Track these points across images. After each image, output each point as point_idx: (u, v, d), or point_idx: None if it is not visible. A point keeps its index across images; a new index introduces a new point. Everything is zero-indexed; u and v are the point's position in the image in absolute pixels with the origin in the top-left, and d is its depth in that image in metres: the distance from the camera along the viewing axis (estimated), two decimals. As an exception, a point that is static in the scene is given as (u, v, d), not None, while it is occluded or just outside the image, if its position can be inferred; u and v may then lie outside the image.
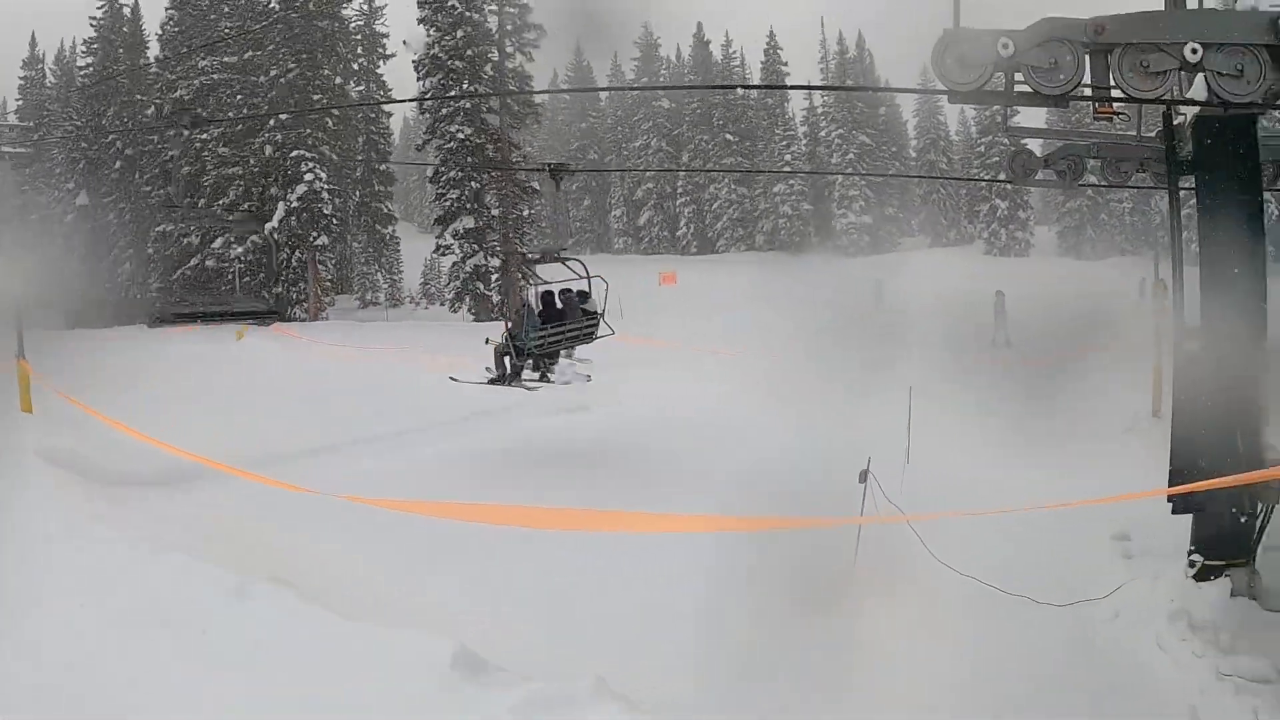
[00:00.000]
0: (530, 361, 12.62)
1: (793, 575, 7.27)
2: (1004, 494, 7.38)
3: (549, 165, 12.53)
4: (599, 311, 12.83)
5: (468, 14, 35.18)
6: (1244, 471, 6.36)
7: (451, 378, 13.67)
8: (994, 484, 9.19)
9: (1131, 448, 12.36)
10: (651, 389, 17.69)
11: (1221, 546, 7.22)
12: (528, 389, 13.04)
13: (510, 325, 12.96)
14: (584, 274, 12.50)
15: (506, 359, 12.71)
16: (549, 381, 12.91)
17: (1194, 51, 6.13)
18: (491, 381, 13.05)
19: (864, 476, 7.86)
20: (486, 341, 13.40)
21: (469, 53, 34.88)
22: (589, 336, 12.83)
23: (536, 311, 12.52)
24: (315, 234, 36.11)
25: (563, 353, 12.72)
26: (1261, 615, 6.95)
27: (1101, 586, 7.27)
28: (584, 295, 12.85)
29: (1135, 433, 13.42)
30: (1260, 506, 7.10)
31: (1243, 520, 7.15)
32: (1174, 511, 7.45)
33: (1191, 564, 7.30)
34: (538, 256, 13.78)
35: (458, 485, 9.16)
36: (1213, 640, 6.49)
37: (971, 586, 6.97)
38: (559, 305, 12.90)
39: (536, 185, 36.37)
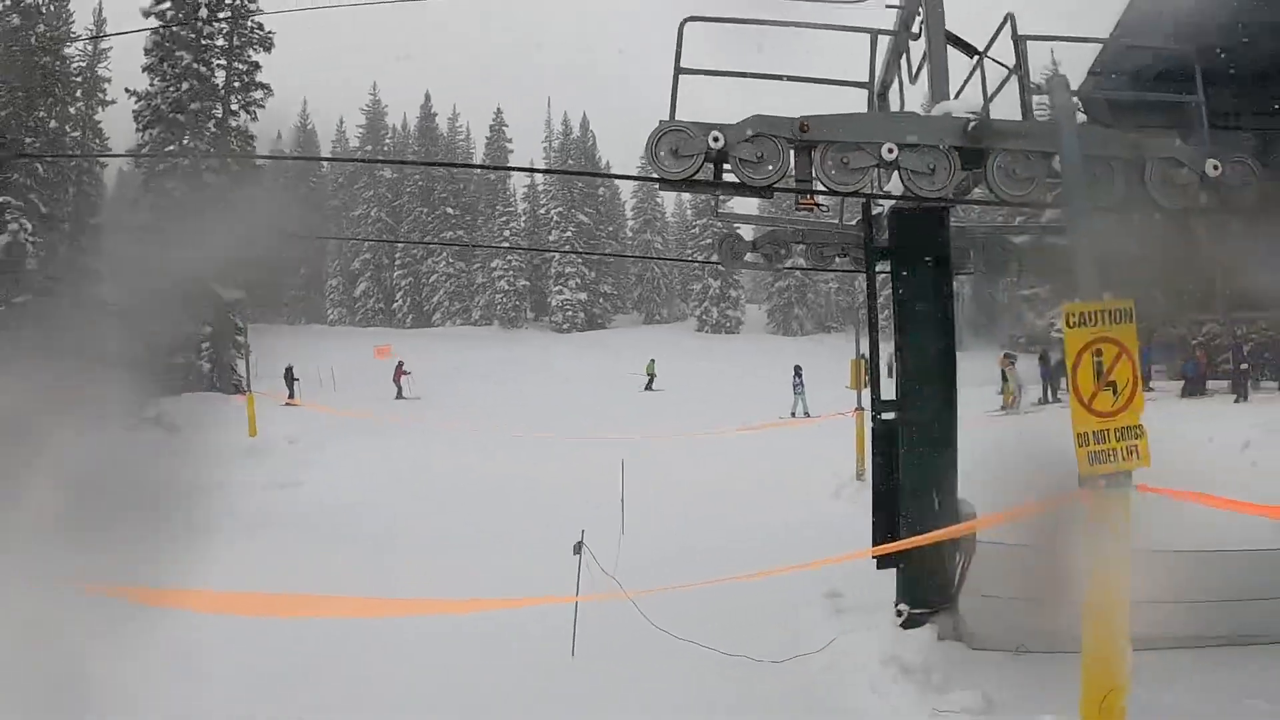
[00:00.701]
0: None
1: (510, 660, 7.22)
2: (729, 559, 7.72)
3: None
4: None
5: (194, 66, 33.17)
6: (940, 528, 6.89)
7: None
8: (714, 551, 9.66)
9: (840, 507, 13.42)
10: (370, 459, 17.72)
11: (925, 595, 7.86)
12: None
13: None
14: None
15: None
16: None
17: (890, 151, 6.60)
18: None
19: (578, 549, 7.86)
20: None
21: (193, 107, 32.84)
22: None
23: None
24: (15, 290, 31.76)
25: None
26: (968, 654, 7.56)
27: (816, 641, 7.53)
28: None
29: (841, 497, 14.48)
30: (958, 556, 7.86)
31: (943, 570, 7.88)
32: (879, 568, 8.08)
33: (899, 613, 7.86)
34: None
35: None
36: (925, 681, 6.91)
37: (692, 651, 7.06)
38: None
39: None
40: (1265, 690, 6.90)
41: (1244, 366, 26.65)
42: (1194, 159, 6.86)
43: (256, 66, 34.75)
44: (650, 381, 37.67)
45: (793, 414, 27.92)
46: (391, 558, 10.36)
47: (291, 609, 5.74)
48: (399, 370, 34.51)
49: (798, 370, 29.47)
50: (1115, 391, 4.23)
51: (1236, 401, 25.29)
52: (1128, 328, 4.25)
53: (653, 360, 38.81)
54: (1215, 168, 6.84)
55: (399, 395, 33.39)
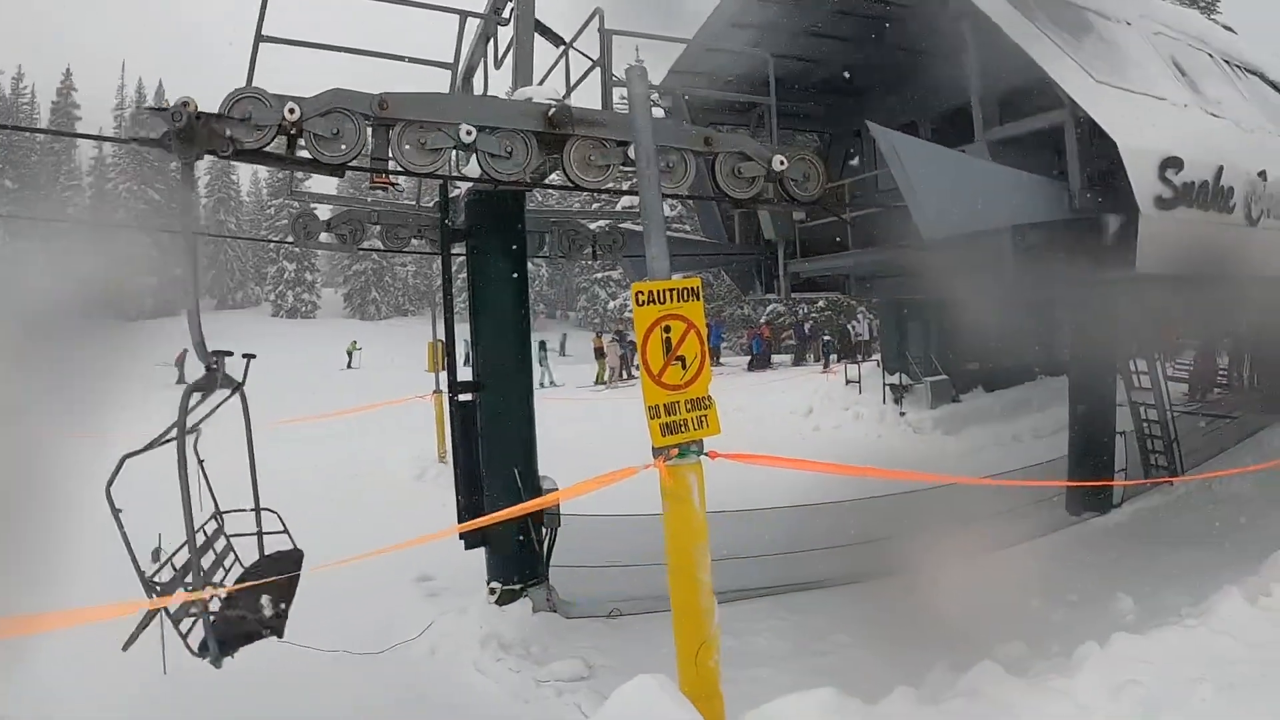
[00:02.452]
0: None
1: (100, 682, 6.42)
2: (312, 550, 7.36)
3: None
4: None
5: None
6: (522, 503, 7.01)
7: None
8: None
9: (424, 489, 13.33)
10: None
11: (516, 571, 8.08)
12: None
13: None
14: None
15: None
16: None
17: (468, 133, 6.58)
18: None
19: (157, 554, 7.12)
20: None
21: None
22: None
23: None
24: None
25: None
26: (563, 623, 7.89)
27: (413, 627, 7.51)
28: None
29: (425, 479, 14.47)
30: (545, 531, 8.11)
31: (531, 546, 8.08)
32: (467, 547, 8.14)
33: (492, 591, 8.02)
34: None
35: None
36: (526, 655, 7.13)
37: (288, 652, 6.71)
38: None
39: None
40: (845, 626, 7.87)
41: (827, 339, 30.45)
42: (762, 154, 7.50)
43: None
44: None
45: (540, 384, 28.68)
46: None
47: None
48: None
49: (542, 345, 31.50)
50: (684, 365, 4.47)
51: (823, 367, 28.40)
52: (694, 305, 4.52)
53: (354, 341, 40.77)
54: (781, 163, 7.52)
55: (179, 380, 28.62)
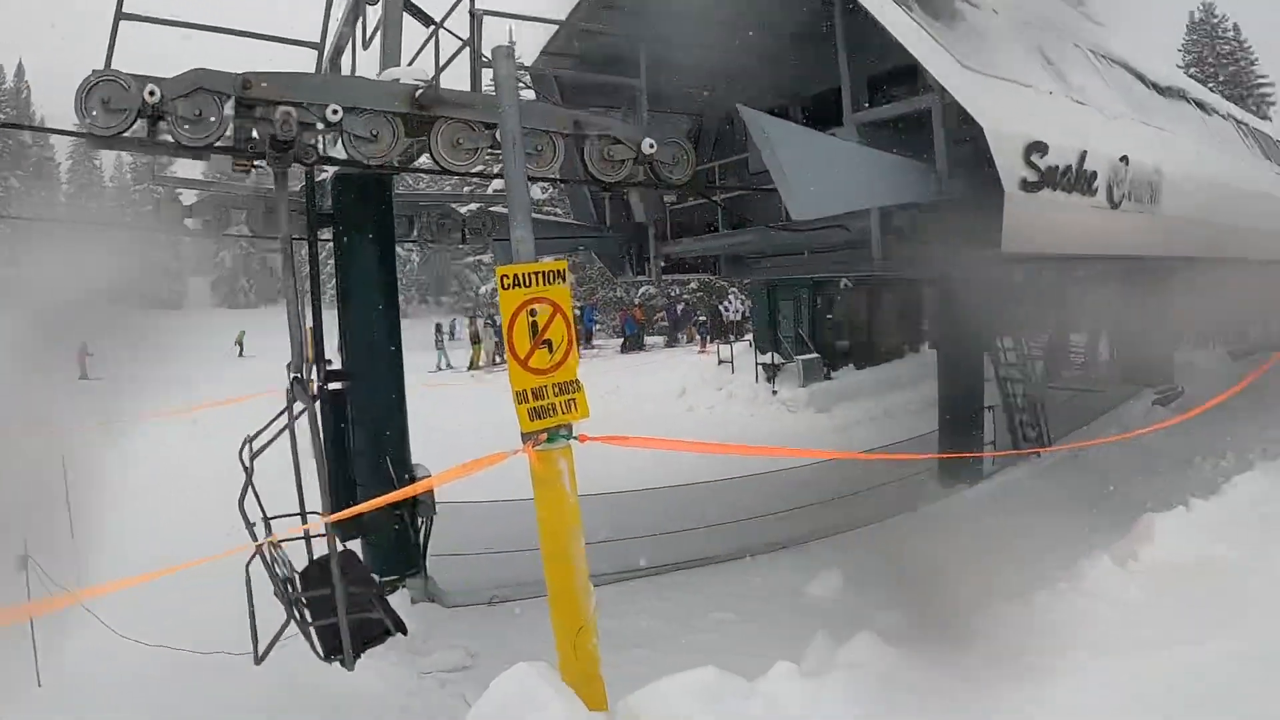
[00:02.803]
0: None
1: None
2: (181, 549, 7.09)
3: None
4: None
5: None
6: (394, 491, 6.85)
7: None
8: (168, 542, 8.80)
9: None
10: None
11: (394, 563, 7.92)
12: None
13: None
14: None
15: None
16: None
17: (335, 113, 6.43)
18: None
19: (23, 563, 6.75)
20: None
21: None
22: None
23: None
24: None
25: None
26: (444, 613, 7.81)
27: (292, 625, 7.29)
28: None
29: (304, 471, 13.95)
30: (420, 520, 7.97)
31: (408, 536, 7.94)
32: (342, 540, 7.96)
33: (370, 583, 7.87)
34: None
35: None
36: (408, 646, 6.96)
37: (166, 657, 6.48)
38: None
39: None
40: (726, 603, 7.98)
41: (702, 319, 30.69)
42: (631, 137, 7.47)
43: None
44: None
45: (439, 368, 30.73)
46: None
47: None
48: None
49: (438, 327, 33.33)
50: (551, 349, 4.40)
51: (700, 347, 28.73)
52: (560, 288, 4.46)
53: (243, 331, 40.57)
54: (651, 146, 7.51)
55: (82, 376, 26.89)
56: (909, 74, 7.70)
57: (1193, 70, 40.72)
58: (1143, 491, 9.33)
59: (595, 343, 34.81)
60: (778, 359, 20.24)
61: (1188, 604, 5.18)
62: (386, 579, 7.79)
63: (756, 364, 20.59)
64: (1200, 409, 10.37)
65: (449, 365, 31.53)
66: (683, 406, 20.27)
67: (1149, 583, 5.62)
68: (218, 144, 6.37)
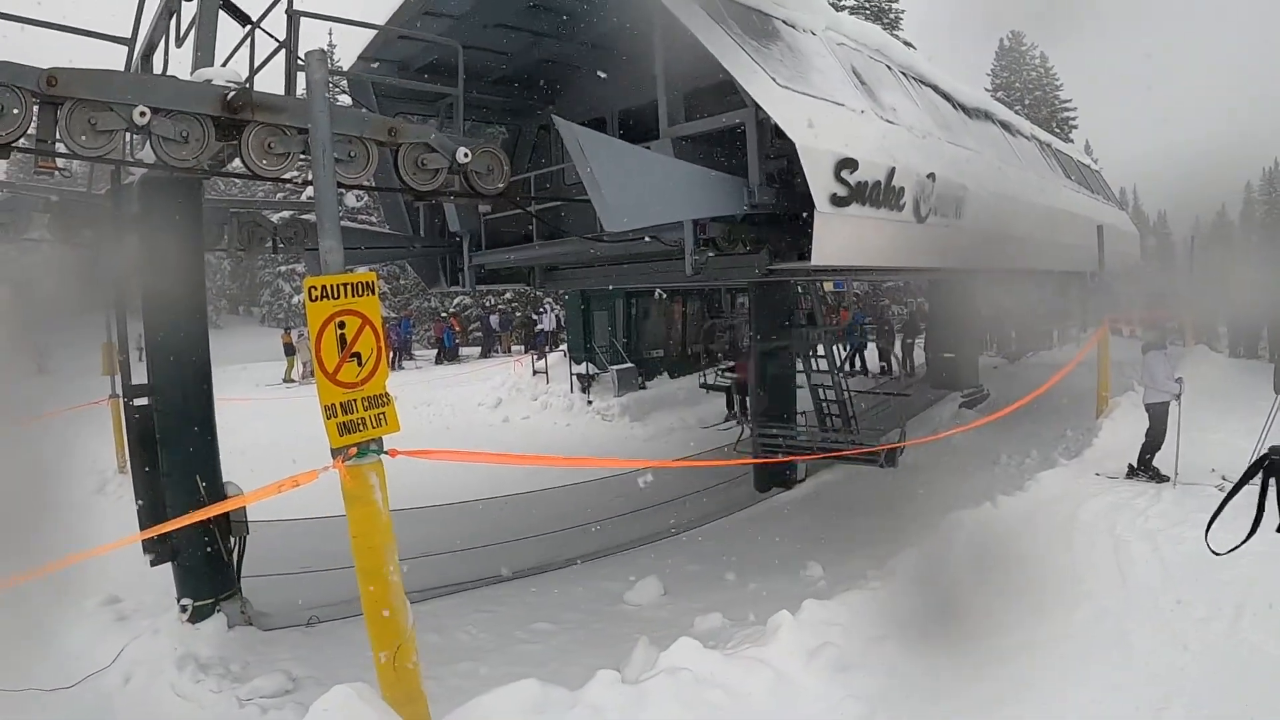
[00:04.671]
0: None
1: None
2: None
3: None
4: None
5: None
6: (209, 509, 6.64)
7: None
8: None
9: (106, 505, 12.29)
10: None
11: (207, 585, 7.55)
12: None
13: None
14: None
15: None
16: None
17: (142, 115, 6.15)
18: None
19: None
20: None
21: None
22: None
23: None
24: None
25: None
26: (262, 636, 7.47)
27: (105, 655, 6.89)
28: None
29: (105, 493, 13.27)
30: (233, 540, 7.66)
31: (221, 556, 7.60)
32: (154, 563, 7.56)
33: (184, 609, 7.44)
34: None
35: None
36: (225, 673, 6.69)
37: None
38: None
39: None
40: (546, 614, 7.99)
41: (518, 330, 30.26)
42: (446, 146, 7.42)
43: None
44: None
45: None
46: None
47: None
48: None
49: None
50: (360, 362, 4.34)
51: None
52: (370, 300, 4.40)
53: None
54: (466, 155, 7.47)
55: None
56: (729, 90, 7.90)
57: (1000, 94, 43.24)
58: (952, 491, 9.79)
59: (415, 352, 34.14)
60: (592, 369, 20.52)
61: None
62: (201, 603, 7.47)
63: (571, 374, 20.80)
64: (1004, 411, 10.99)
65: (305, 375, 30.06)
66: (498, 417, 20.29)
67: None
68: (16, 143, 5.96)
